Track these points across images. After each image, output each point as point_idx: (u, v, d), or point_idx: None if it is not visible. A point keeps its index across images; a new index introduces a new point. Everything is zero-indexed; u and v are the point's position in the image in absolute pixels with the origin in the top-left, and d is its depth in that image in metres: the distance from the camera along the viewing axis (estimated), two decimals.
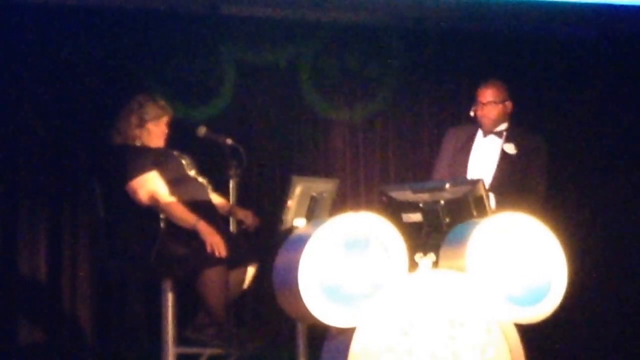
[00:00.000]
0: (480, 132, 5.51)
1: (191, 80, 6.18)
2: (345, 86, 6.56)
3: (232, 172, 5.28)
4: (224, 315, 4.87)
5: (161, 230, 4.89)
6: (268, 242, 4.77)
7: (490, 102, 5.46)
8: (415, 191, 4.40)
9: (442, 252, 4.12)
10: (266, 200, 6.03)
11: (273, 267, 4.11)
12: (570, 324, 6.03)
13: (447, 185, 4.35)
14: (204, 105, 6.17)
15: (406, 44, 6.61)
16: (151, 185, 4.93)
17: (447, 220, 4.30)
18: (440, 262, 4.11)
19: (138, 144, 5.07)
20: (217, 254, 4.80)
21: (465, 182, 4.82)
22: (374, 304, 3.91)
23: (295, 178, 4.64)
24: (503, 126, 5.50)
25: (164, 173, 4.99)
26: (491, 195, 5.05)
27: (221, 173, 5.26)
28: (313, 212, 4.62)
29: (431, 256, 4.10)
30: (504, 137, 5.48)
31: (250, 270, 5.07)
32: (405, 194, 4.41)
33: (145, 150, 5.05)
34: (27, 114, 5.93)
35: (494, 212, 4.44)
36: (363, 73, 6.56)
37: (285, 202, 4.58)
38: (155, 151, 5.07)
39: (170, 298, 4.95)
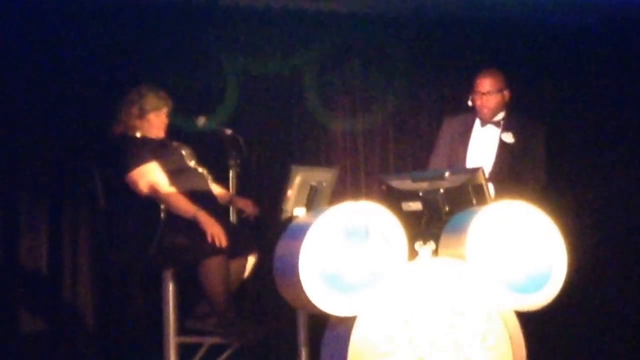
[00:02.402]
0: (477, 121, 5.51)
1: (191, 71, 6.18)
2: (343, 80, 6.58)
3: (232, 162, 5.29)
4: (225, 305, 4.88)
5: (161, 220, 4.90)
6: (268, 232, 4.78)
7: (489, 91, 5.46)
8: (415, 180, 4.41)
9: (442, 241, 4.13)
10: (266, 189, 6.04)
11: (273, 256, 4.12)
12: (571, 311, 6.04)
13: (447, 174, 4.35)
14: (205, 96, 6.18)
15: (405, 33, 6.61)
16: (151, 175, 4.93)
17: (447, 208, 4.30)
18: (440, 251, 4.12)
19: (138, 134, 5.08)
20: (217, 243, 4.81)
21: (465, 170, 4.83)
22: (374, 292, 3.92)
23: (295, 167, 4.65)
24: (501, 115, 5.50)
25: (164, 164, 5.00)
26: (490, 185, 5.06)
27: (221, 163, 5.27)
28: (313, 202, 4.62)
29: (431, 244, 4.11)
30: (502, 126, 5.48)
31: (251, 260, 5.08)
32: (405, 183, 4.42)
33: (146, 141, 5.05)
34: (27, 104, 5.94)
35: (493, 200, 4.44)
36: (360, 62, 6.58)
37: (285, 191, 4.59)
38: (155, 142, 5.08)
39: (171, 288, 4.97)
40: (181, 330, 4.97)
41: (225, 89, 6.26)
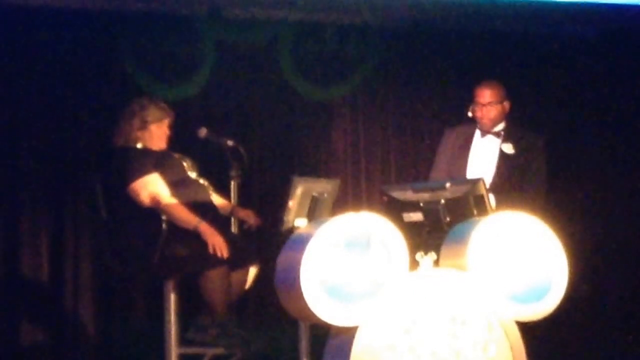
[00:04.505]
0: (478, 132, 5.52)
1: (191, 81, 6.19)
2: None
3: (233, 173, 5.30)
4: (227, 315, 4.89)
5: (163, 231, 4.91)
6: (270, 243, 4.79)
7: (490, 102, 5.47)
8: (416, 191, 4.41)
9: (443, 251, 4.14)
10: (267, 200, 6.04)
11: (275, 267, 4.12)
12: (571, 322, 6.05)
13: (448, 185, 4.36)
14: (203, 106, 6.20)
15: (406, 44, 6.62)
16: (153, 187, 4.95)
17: (448, 219, 4.31)
18: (441, 261, 4.12)
19: (140, 145, 5.09)
20: (219, 254, 4.82)
21: (466, 181, 4.84)
22: (375, 302, 3.92)
23: (296, 178, 4.65)
24: (501, 126, 5.51)
25: (165, 175, 5.01)
26: (491, 196, 5.06)
27: (222, 174, 5.29)
28: (314, 212, 4.63)
29: (432, 255, 4.12)
30: (502, 137, 5.49)
31: (252, 271, 5.09)
32: (406, 194, 4.42)
33: (147, 152, 5.07)
34: (29, 115, 5.95)
35: (494, 211, 4.45)
36: (362, 73, 6.59)
37: (286, 202, 4.59)
38: (157, 153, 5.09)
39: (172, 299, 4.98)
40: (183, 341, 4.97)
41: (225, 98, 6.28)
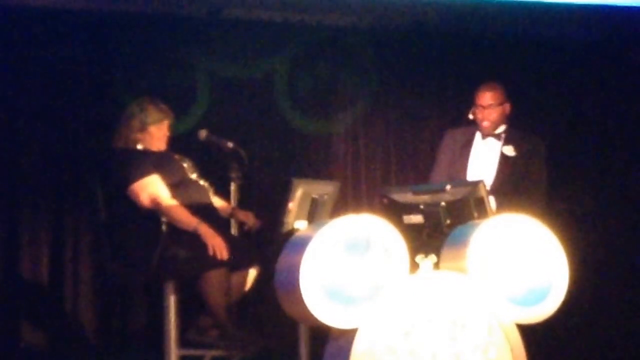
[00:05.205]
0: (478, 135, 5.53)
1: (191, 84, 6.19)
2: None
3: (233, 174, 5.30)
4: (226, 317, 4.89)
5: (163, 233, 4.91)
6: (269, 245, 4.78)
7: (490, 105, 5.47)
8: (416, 193, 4.42)
9: (443, 254, 4.14)
10: (267, 202, 6.04)
11: (275, 269, 4.12)
12: (572, 324, 6.04)
13: (448, 187, 4.36)
14: (203, 108, 6.20)
15: (407, 46, 6.62)
16: (153, 188, 4.94)
17: (448, 221, 4.31)
18: (441, 264, 4.12)
19: (140, 147, 5.09)
20: (218, 256, 4.82)
21: (466, 183, 4.84)
22: (375, 305, 3.92)
23: (296, 180, 4.65)
24: (501, 128, 5.51)
25: (165, 176, 5.00)
26: (491, 198, 5.06)
27: (222, 176, 5.29)
28: (314, 215, 4.63)
29: (432, 257, 4.12)
30: (502, 139, 5.49)
31: (252, 273, 5.09)
32: (406, 196, 4.43)
33: (147, 154, 5.07)
34: (29, 117, 5.95)
35: (494, 213, 4.45)
36: (362, 75, 6.59)
37: (286, 204, 4.59)
38: (157, 154, 5.09)
39: (172, 300, 4.97)
40: (182, 342, 4.97)
41: (226, 102, 6.28)
